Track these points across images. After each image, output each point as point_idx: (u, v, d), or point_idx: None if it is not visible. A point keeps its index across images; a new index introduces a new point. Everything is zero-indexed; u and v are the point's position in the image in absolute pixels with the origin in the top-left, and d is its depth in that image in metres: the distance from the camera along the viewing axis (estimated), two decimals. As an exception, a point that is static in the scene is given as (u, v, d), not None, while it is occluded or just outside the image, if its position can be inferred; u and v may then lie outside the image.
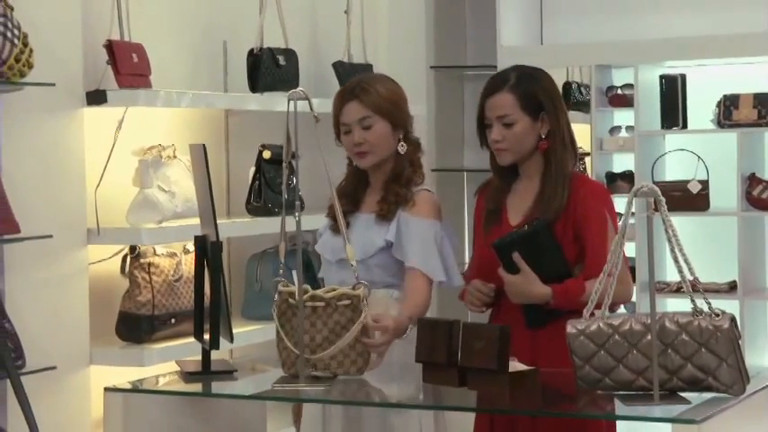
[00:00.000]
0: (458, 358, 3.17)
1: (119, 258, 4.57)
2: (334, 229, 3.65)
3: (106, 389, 3.26)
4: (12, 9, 4.00)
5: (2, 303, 1.56)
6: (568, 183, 3.50)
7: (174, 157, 4.69)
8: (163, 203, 4.54)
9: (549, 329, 3.42)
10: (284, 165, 3.40)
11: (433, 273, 3.58)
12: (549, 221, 3.44)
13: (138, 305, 4.49)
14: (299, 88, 3.36)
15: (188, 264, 4.65)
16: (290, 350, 3.31)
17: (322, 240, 3.77)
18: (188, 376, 3.42)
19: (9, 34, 3.95)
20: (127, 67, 4.51)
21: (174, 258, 4.64)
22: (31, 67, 4.04)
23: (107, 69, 4.49)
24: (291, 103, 3.32)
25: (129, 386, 3.44)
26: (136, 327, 4.48)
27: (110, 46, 4.47)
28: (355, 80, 3.72)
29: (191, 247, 4.70)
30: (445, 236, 3.66)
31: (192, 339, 4.42)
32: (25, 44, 4.02)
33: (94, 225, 4.43)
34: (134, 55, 4.56)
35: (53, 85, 4.17)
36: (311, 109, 3.35)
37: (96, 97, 4.45)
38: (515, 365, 3.13)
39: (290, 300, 3.32)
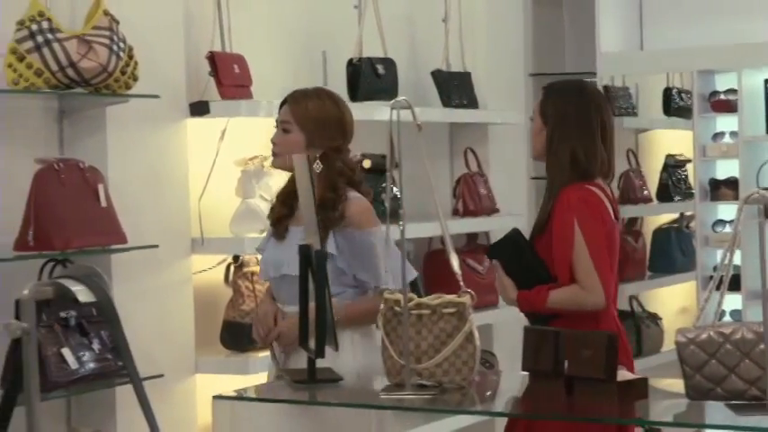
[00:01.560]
0: (564, 367, 3.14)
1: (222, 268, 4.61)
2: (278, 236, 3.74)
3: (215, 397, 3.29)
4: (117, 23, 4.06)
5: (115, 311, 1.59)
6: (555, 195, 3.63)
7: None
8: (265, 213, 4.55)
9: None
10: (387, 173, 3.40)
11: (387, 283, 3.54)
12: (517, 231, 3.67)
13: (242, 314, 4.52)
14: (402, 97, 3.35)
15: (290, 273, 4.67)
16: (395, 359, 3.31)
17: (265, 255, 3.80)
18: (294, 384, 3.44)
19: (115, 47, 4.01)
20: (229, 78, 4.56)
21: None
22: (136, 79, 4.10)
23: (209, 81, 4.54)
24: (394, 112, 3.31)
25: (236, 394, 3.46)
26: (240, 335, 4.52)
27: (212, 57, 4.53)
28: (301, 89, 3.80)
29: (292, 256, 4.74)
30: (391, 239, 3.59)
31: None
32: (130, 57, 4.08)
33: (198, 235, 4.48)
34: (235, 66, 4.61)
35: (158, 97, 4.23)
36: (414, 118, 3.35)
37: (199, 108, 4.50)
38: (624, 374, 3.09)
39: (396, 307, 3.32)
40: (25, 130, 4.09)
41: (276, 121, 3.77)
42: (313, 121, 3.70)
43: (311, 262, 3.50)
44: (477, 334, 3.29)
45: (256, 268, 4.58)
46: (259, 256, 4.51)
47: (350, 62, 5.15)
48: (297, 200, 3.61)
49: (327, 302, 3.37)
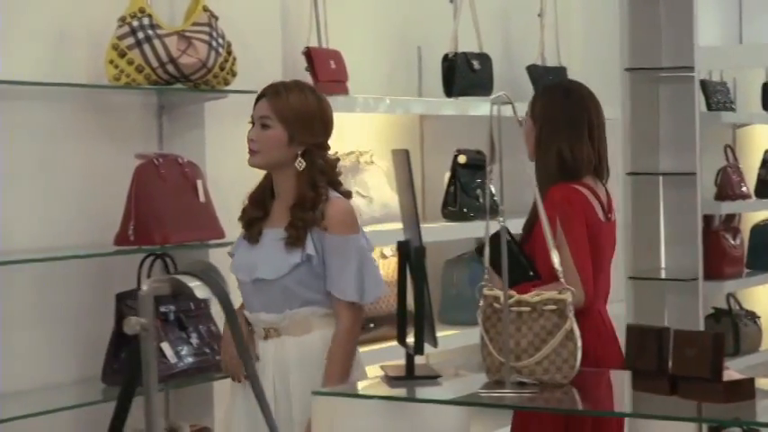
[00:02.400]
0: (669, 366, 3.09)
1: (318, 263, 4.61)
2: (251, 239, 3.55)
3: (314, 392, 3.29)
4: (216, 19, 4.09)
5: (232, 307, 1.60)
6: (543, 195, 3.54)
7: (372, 162, 4.72)
8: (361, 209, 4.57)
9: None
10: (487, 169, 3.37)
11: (351, 296, 3.50)
12: (505, 228, 3.51)
13: (338, 309, 4.51)
14: (502, 92, 3.32)
15: (386, 269, 4.67)
16: (495, 356, 3.28)
17: (236, 259, 3.61)
18: (392, 381, 3.42)
19: (214, 43, 4.04)
20: (325, 73, 4.55)
21: (372, 263, 4.65)
22: (234, 75, 4.12)
23: (306, 76, 4.54)
24: (494, 107, 3.28)
25: (334, 390, 3.46)
26: (335, 331, 4.51)
27: (308, 53, 4.53)
28: (279, 82, 3.62)
29: (388, 251, 4.73)
30: (367, 248, 3.56)
31: (391, 343, 4.45)
32: (229, 53, 4.10)
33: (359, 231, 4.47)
34: (332, 61, 4.61)
35: (256, 92, 4.23)
36: (514, 113, 3.32)
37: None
38: (730, 374, 3.03)
39: (495, 304, 3.30)
40: (125, 125, 4.14)
41: (252, 117, 3.54)
42: (295, 116, 3.49)
43: (409, 258, 3.49)
44: (578, 332, 3.25)
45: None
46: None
47: (445, 57, 5.13)
48: (271, 201, 3.52)
49: (426, 299, 3.35)
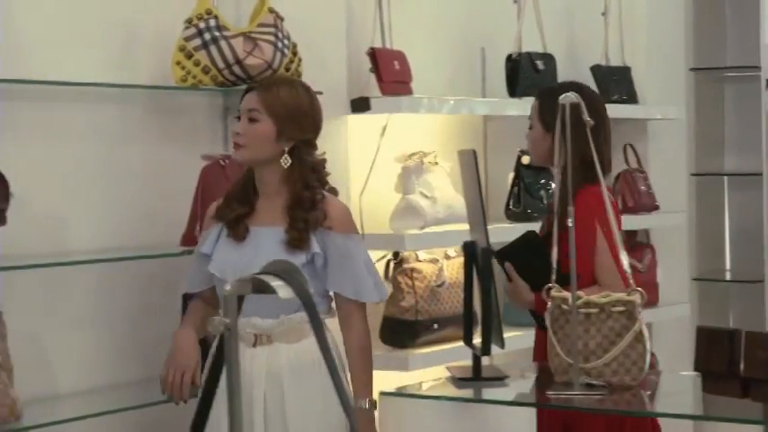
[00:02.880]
0: (740, 368, 3.06)
1: (382, 264, 4.61)
2: (237, 237, 3.36)
3: (381, 393, 3.29)
4: (282, 20, 4.10)
5: (315, 307, 1.63)
6: (572, 198, 3.44)
7: (436, 163, 4.71)
8: (425, 209, 4.56)
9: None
10: (555, 169, 3.35)
11: (368, 296, 3.39)
12: (531, 234, 3.60)
13: (402, 310, 4.52)
14: (571, 92, 3.30)
15: (450, 269, 4.67)
16: (563, 357, 3.26)
17: (218, 258, 3.38)
18: (459, 382, 3.42)
19: (280, 44, 4.05)
20: (389, 74, 4.56)
21: (436, 264, 4.66)
22: (299, 76, 4.12)
23: (370, 77, 4.55)
24: (563, 107, 3.27)
25: (402, 390, 3.46)
26: (399, 331, 4.52)
27: (373, 54, 4.53)
28: (270, 75, 3.55)
29: (452, 252, 4.73)
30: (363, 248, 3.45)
31: (455, 344, 4.45)
32: (294, 53, 4.11)
33: (360, 230, 4.48)
34: (396, 62, 4.61)
35: (321, 93, 4.24)
36: (583, 113, 3.30)
37: (360, 105, 4.51)
38: (802, 377, 2.99)
39: (563, 305, 3.28)
40: (191, 126, 4.16)
41: (239, 110, 3.40)
42: (285, 110, 3.34)
43: (476, 259, 3.49)
44: (647, 334, 3.23)
45: (416, 265, 4.58)
46: (407, 252, 4.51)
47: (509, 58, 5.11)
48: (257, 197, 3.38)
49: (494, 300, 3.34)
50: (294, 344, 3.32)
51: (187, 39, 3.91)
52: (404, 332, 4.51)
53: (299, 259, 3.28)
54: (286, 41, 4.08)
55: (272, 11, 4.09)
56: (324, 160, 3.45)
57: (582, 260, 3.43)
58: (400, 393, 3.40)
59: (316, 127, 3.43)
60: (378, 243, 4.52)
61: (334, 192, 3.45)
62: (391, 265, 4.60)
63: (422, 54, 4.86)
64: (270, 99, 3.34)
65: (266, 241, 3.33)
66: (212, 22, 3.93)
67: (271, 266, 1.60)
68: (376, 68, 4.52)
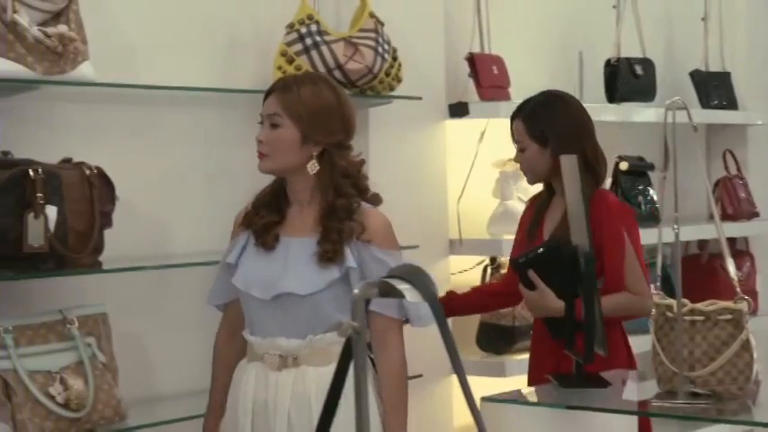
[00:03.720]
0: None
1: (480, 269, 4.61)
2: (266, 246, 3.06)
3: (483, 398, 3.27)
4: (382, 25, 4.11)
5: (442, 311, 1.63)
6: (587, 205, 3.41)
7: (534, 168, 4.68)
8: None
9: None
10: (662, 175, 3.32)
11: (416, 321, 3.07)
12: (560, 242, 3.45)
13: (499, 316, 4.51)
14: (677, 98, 3.26)
15: (547, 275, 4.63)
16: (668, 366, 3.22)
17: (244, 268, 3.09)
18: (561, 388, 3.39)
19: (380, 49, 4.06)
20: (488, 79, 4.55)
21: (533, 270, 4.62)
22: (399, 81, 4.14)
23: (468, 82, 4.54)
24: (669, 113, 3.23)
25: (504, 397, 3.45)
26: (496, 337, 4.51)
27: (471, 59, 4.53)
28: (290, 75, 3.21)
29: (549, 258, 4.69)
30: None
31: (553, 351, 4.42)
32: (395, 58, 4.12)
33: (457, 236, 4.48)
34: (494, 67, 4.60)
35: (420, 98, 4.25)
36: (690, 118, 3.26)
37: (459, 110, 4.51)
38: None
39: (668, 313, 3.24)
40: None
41: (261, 115, 3.10)
42: (308, 112, 3.02)
43: (578, 263, 3.45)
44: (754, 342, 3.18)
45: (514, 270, 4.56)
46: (504, 257, 4.47)
47: (607, 63, 5.08)
48: (288, 205, 3.09)
49: (596, 305, 3.31)
50: (322, 367, 2.99)
51: (288, 44, 3.94)
52: (501, 338, 4.50)
53: (330, 274, 2.99)
54: (386, 46, 4.09)
55: (372, 16, 4.10)
56: (360, 163, 3.13)
57: (612, 268, 3.49)
58: (502, 399, 3.38)
59: (346, 127, 3.08)
60: (475, 248, 4.52)
61: (377, 199, 3.14)
62: (488, 270, 4.59)
63: (520, 59, 4.84)
64: (290, 101, 3.03)
65: (296, 253, 3.03)
66: (313, 27, 3.95)
67: (397, 270, 1.60)
68: (474, 73, 4.52)
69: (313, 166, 3.03)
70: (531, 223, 3.76)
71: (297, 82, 3.07)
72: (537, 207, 3.80)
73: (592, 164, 3.64)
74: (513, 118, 3.76)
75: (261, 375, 3.06)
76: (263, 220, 3.08)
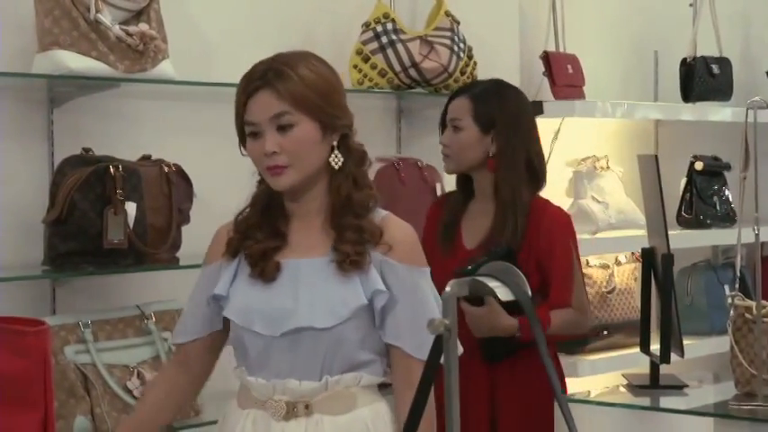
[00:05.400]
0: None
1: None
2: (264, 276, 2.42)
3: (556, 398, 3.26)
4: (458, 23, 4.11)
5: (534, 310, 1.60)
6: (524, 211, 3.24)
7: (608, 167, 4.67)
8: (597, 214, 4.53)
9: (508, 362, 3.25)
10: (742, 175, 3.29)
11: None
12: (510, 250, 3.14)
13: (572, 316, 4.48)
14: (757, 97, 3.24)
15: (621, 275, 4.62)
16: (746, 367, 3.20)
17: (239, 301, 2.45)
18: (636, 389, 3.38)
19: (456, 48, 4.06)
20: (562, 78, 4.53)
21: (606, 270, 4.61)
22: (474, 79, 4.13)
23: (543, 81, 4.53)
24: (750, 112, 3.20)
25: (573, 396, 3.43)
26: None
27: (546, 57, 4.51)
28: (267, 60, 2.43)
29: (623, 258, 4.67)
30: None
31: (624, 351, 4.41)
32: (470, 57, 4.12)
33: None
34: (569, 66, 4.58)
35: (495, 96, 4.24)
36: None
37: (533, 108, 4.48)
38: None
39: (747, 315, 3.21)
40: (366, 128, 4.12)
41: (252, 123, 2.42)
42: (318, 94, 2.39)
43: (654, 265, 3.43)
44: (834, 345, 3.14)
45: (587, 270, 4.53)
46: (590, 259, 4.44)
47: (683, 62, 5.04)
48: (286, 223, 2.46)
49: (673, 307, 3.29)
50: (341, 415, 2.42)
51: (364, 42, 3.95)
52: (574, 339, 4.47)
53: (355, 298, 2.38)
54: (462, 45, 4.09)
55: (448, 14, 4.10)
56: (362, 144, 2.51)
57: (560, 283, 3.23)
58: (574, 399, 3.37)
59: (344, 101, 2.49)
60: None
61: (375, 198, 2.49)
62: (562, 270, 4.56)
63: (595, 57, 4.82)
64: (296, 90, 2.37)
65: (308, 276, 2.41)
66: (389, 26, 3.96)
67: (489, 268, 1.60)
68: (549, 72, 4.50)
69: (337, 158, 2.43)
70: (443, 232, 3.33)
71: (287, 65, 2.39)
72: (448, 212, 3.38)
73: (535, 166, 3.31)
74: (455, 95, 3.37)
75: (261, 425, 2.44)
76: (260, 245, 2.44)
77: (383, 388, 2.48)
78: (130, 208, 3.21)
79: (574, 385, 4.18)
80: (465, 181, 3.39)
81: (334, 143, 2.42)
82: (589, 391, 3.69)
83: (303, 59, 2.43)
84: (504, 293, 1.58)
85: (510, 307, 3.09)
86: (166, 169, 3.34)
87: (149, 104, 3.55)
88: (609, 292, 4.58)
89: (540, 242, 3.24)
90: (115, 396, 3.20)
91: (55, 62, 3.16)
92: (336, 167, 2.42)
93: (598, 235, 4.53)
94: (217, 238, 2.57)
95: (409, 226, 2.47)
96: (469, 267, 2.88)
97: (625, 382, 3.47)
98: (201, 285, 2.53)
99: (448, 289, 1.61)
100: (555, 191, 4.60)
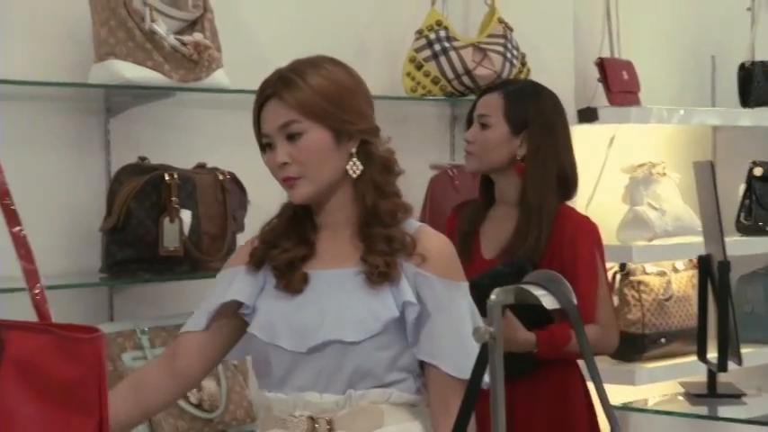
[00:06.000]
0: None
1: (609, 276, 4.56)
2: (291, 288, 2.30)
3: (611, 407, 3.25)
4: (511, 30, 4.11)
5: (580, 318, 1.56)
6: (549, 221, 3.02)
7: (664, 174, 4.63)
8: (653, 221, 4.49)
9: (527, 380, 2.98)
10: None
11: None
12: (533, 262, 2.94)
13: (629, 323, 4.46)
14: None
15: (678, 283, 4.58)
16: (804, 376, 3.16)
17: (265, 315, 2.31)
18: (693, 398, 3.35)
19: (509, 55, 4.05)
20: (618, 84, 4.51)
21: (663, 277, 4.58)
22: (529, 86, 4.12)
23: (597, 87, 4.51)
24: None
25: (629, 405, 3.42)
26: (626, 345, 4.44)
27: (601, 63, 4.49)
28: (281, 68, 2.35)
29: (680, 265, 4.64)
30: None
31: (682, 359, 4.37)
32: (523, 64, 4.11)
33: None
34: (624, 72, 4.56)
35: (549, 103, 4.23)
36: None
37: (588, 115, 4.47)
38: None
39: (805, 323, 3.18)
40: (420, 136, 4.20)
41: (266, 135, 2.33)
42: (327, 100, 2.27)
43: (711, 273, 3.41)
44: None
45: (643, 277, 4.51)
46: (634, 265, 4.43)
47: (741, 66, 4.99)
48: (314, 232, 2.34)
49: (731, 315, 3.26)
50: None
51: (417, 50, 3.96)
52: (630, 346, 4.44)
53: (386, 310, 2.25)
54: (515, 52, 4.08)
55: (501, 21, 4.10)
56: (391, 150, 2.37)
57: (586, 297, 2.95)
58: (629, 408, 3.36)
59: (372, 105, 2.37)
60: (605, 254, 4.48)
61: (407, 209, 2.35)
62: (618, 277, 4.54)
63: (650, 63, 4.78)
64: (302, 98, 2.27)
65: (335, 288, 2.29)
66: (442, 33, 3.97)
67: (536, 276, 1.60)
68: (604, 78, 4.48)
69: (355, 167, 2.29)
70: (460, 240, 3.10)
71: (295, 73, 2.30)
72: (466, 220, 3.19)
73: (567, 176, 3.11)
74: (486, 91, 3.20)
75: None
76: (287, 254, 2.32)
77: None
78: (185, 216, 3.24)
79: (630, 394, 4.16)
80: (488, 185, 3.20)
81: (353, 150, 2.30)
82: (647, 400, 3.67)
83: (314, 65, 2.31)
84: (549, 302, 1.57)
85: (527, 321, 2.90)
86: (221, 177, 3.36)
87: (204, 113, 3.58)
88: (666, 300, 4.54)
89: (564, 252, 3.02)
90: (171, 403, 3.22)
91: (111, 72, 3.19)
92: (354, 176, 2.29)
93: (655, 242, 4.49)
94: (241, 247, 2.46)
95: (446, 237, 2.35)
96: (485, 280, 2.74)
97: (682, 390, 3.44)
98: (214, 288, 2.40)
99: (493, 297, 1.60)
100: (610, 198, 4.58)
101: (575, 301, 1.64)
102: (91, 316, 3.29)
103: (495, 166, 3.11)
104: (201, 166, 3.39)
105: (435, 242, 2.30)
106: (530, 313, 2.77)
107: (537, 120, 3.08)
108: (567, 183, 3.11)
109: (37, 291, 1.51)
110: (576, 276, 2.90)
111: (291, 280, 2.29)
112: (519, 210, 3.07)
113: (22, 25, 3.26)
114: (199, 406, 3.24)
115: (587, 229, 3.09)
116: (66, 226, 3.31)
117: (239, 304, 2.32)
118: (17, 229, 1.52)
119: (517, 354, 2.85)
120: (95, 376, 1.37)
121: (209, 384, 3.25)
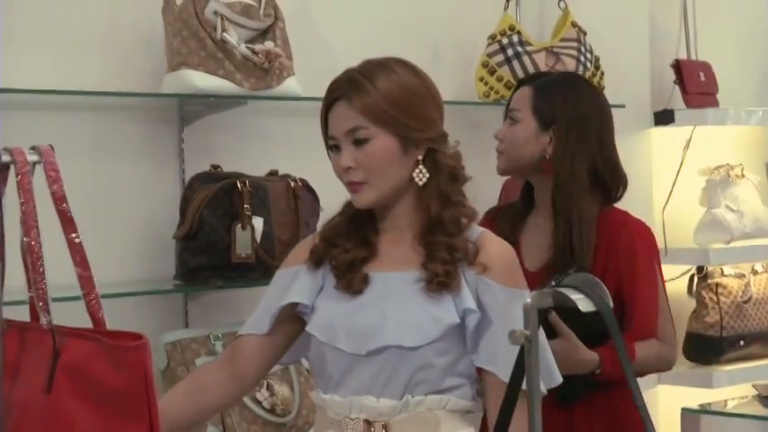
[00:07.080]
0: None
1: (686, 278, 4.54)
2: (351, 289, 2.28)
3: (683, 409, 3.24)
4: (585, 34, 4.10)
5: (616, 322, 1.54)
6: (588, 226, 2.75)
7: (742, 175, 4.59)
8: (731, 223, 4.46)
9: (587, 404, 2.75)
10: None
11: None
12: (584, 272, 2.54)
13: (706, 326, 4.43)
14: None
15: (757, 285, 4.55)
16: None
17: (324, 315, 2.30)
18: (766, 400, 3.32)
19: (582, 58, 4.05)
20: (694, 86, 4.48)
21: (742, 279, 4.54)
22: (602, 89, 4.11)
23: (674, 89, 4.48)
24: None
25: (705, 407, 3.40)
26: (703, 348, 4.43)
27: (677, 65, 4.47)
28: (351, 69, 2.33)
29: (759, 267, 4.59)
30: None
31: (762, 362, 4.33)
32: (597, 67, 4.10)
33: (662, 245, 4.41)
34: (701, 73, 4.53)
35: (623, 106, 4.21)
36: None
37: (664, 117, 4.46)
38: None
39: None
40: (493, 140, 4.17)
41: (332, 137, 2.32)
42: (398, 108, 2.24)
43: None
44: None
45: (721, 279, 4.48)
46: (711, 267, 4.39)
47: (821, 66, 4.93)
48: (376, 234, 2.32)
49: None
50: None
51: (490, 55, 3.97)
52: (708, 348, 4.42)
53: (446, 316, 2.23)
54: (588, 55, 4.07)
55: (574, 25, 4.09)
56: (460, 155, 2.35)
57: (646, 309, 2.76)
58: (703, 410, 3.34)
59: (442, 111, 2.34)
60: (681, 257, 4.46)
61: (472, 214, 2.34)
62: (695, 279, 4.51)
63: (728, 64, 4.74)
64: (369, 103, 2.24)
65: (395, 292, 2.27)
66: (515, 38, 3.97)
67: (572, 280, 1.61)
68: (680, 80, 4.46)
69: (422, 175, 2.28)
70: None
71: (365, 76, 2.27)
72: (507, 227, 2.88)
73: (602, 174, 2.84)
74: (520, 84, 2.97)
75: None
76: (348, 255, 2.30)
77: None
78: (258, 223, 3.27)
79: (708, 396, 4.14)
80: (528, 188, 2.93)
81: (419, 157, 2.28)
82: (726, 401, 3.65)
83: (384, 68, 2.28)
84: (585, 305, 1.57)
85: (588, 339, 2.66)
86: (293, 184, 3.39)
87: (276, 121, 3.62)
88: (745, 302, 4.51)
89: (620, 262, 2.77)
90: (245, 407, 3.26)
91: (184, 81, 3.25)
92: (420, 183, 2.27)
93: (733, 244, 4.46)
94: (301, 244, 2.44)
95: (507, 244, 2.33)
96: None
97: (755, 392, 3.41)
98: (273, 287, 2.39)
99: (529, 300, 1.61)
100: (687, 200, 4.55)
101: (611, 305, 1.64)
102: (166, 322, 3.35)
103: (523, 165, 2.86)
104: (274, 174, 3.43)
105: (498, 249, 2.28)
106: (586, 331, 2.62)
107: (566, 113, 2.80)
108: (605, 183, 2.85)
109: (92, 297, 1.55)
110: (635, 290, 2.75)
111: (352, 281, 2.28)
112: (553, 217, 2.80)
113: (98, 37, 3.33)
114: (272, 411, 3.28)
115: (645, 238, 2.87)
116: (141, 234, 3.37)
117: (297, 303, 2.32)
118: (73, 235, 1.57)
119: (575, 375, 2.61)
120: (142, 383, 1.41)
121: (282, 389, 3.29)
